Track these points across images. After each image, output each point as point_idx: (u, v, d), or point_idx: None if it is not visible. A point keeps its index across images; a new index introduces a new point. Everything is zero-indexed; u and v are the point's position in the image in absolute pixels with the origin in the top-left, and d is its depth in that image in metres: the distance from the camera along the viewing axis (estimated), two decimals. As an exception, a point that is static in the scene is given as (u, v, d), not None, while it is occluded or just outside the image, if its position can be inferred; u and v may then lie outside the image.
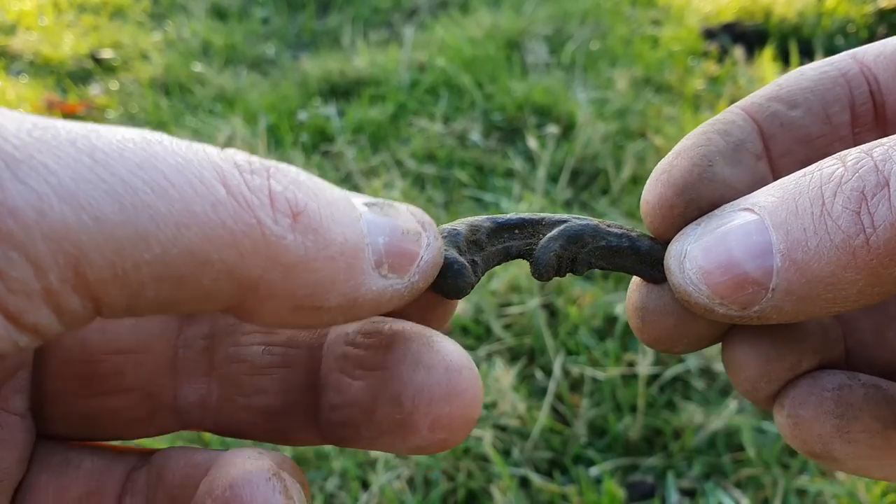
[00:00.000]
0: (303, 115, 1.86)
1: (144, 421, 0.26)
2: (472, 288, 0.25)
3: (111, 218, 0.16)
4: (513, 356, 1.12)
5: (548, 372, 1.08)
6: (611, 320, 1.17)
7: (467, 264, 0.25)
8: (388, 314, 0.23)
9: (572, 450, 0.98)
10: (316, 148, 1.74)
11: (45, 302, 0.16)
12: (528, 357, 1.12)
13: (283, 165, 0.20)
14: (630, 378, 1.07)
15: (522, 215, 0.28)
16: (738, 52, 2.03)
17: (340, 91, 2.02)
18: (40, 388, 0.25)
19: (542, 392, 1.05)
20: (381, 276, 0.21)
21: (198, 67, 2.22)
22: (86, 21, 2.64)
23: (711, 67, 2.01)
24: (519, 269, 1.23)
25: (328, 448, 0.96)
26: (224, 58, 2.34)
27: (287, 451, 0.96)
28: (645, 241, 0.28)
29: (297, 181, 0.20)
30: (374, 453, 0.96)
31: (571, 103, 1.79)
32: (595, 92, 1.88)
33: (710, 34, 2.21)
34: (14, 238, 0.15)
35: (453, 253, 0.25)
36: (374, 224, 0.21)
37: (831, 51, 2.08)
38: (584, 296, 1.19)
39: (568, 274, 0.28)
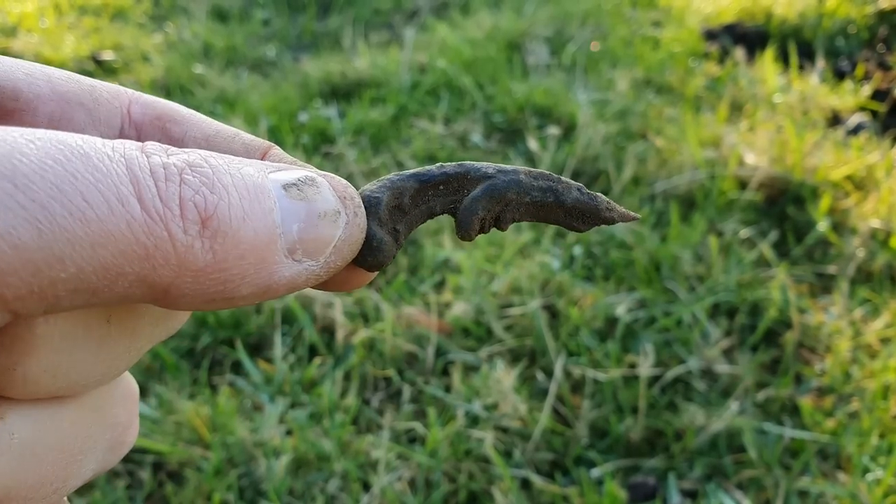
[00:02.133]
0: (304, 117, 1.86)
1: None
2: (391, 260, 0.26)
3: (29, 245, 0.17)
4: (514, 357, 1.12)
5: (549, 373, 1.08)
6: (612, 321, 1.17)
7: (387, 237, 0.25)
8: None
9: (573, 451, 0.98)
10: (317, 149, 1.74)
11: None
12: (529, 358, 1.12)
13: (199, 160, 0.21)
14: (631, 379, 1.07)
15: (447, 169, 0.27)
16: (739, 53, 2.03)
17: (341, 92, 2.02)
18: None
19: (544, 393, 1.05)
20: (294, 262, 0.22)
21: (199, 69, 2.22)
22: (87, 23, 2.64)
23: (712, 68, 2.01)
24: (519, 271, 1.23)
25: (329, 450, 0.96)
26: (225, 59, 2.34)
27: (288, 453, 0.96)
28: (571, 193, 0.28)
29: (210, 180, 0.20)
30: (375, 455, 0.96)
31: (572, 104, 1.79)
32: (596, 93, 1.88)
33: (710, 35, 2.21)
34: None
35: (372, 227, 0.25)
36: (289, 211, 0.22)
37: (832, 52, 2.09)
38: (585, 297, 1.19)
39: (492, 229, 0.27)
